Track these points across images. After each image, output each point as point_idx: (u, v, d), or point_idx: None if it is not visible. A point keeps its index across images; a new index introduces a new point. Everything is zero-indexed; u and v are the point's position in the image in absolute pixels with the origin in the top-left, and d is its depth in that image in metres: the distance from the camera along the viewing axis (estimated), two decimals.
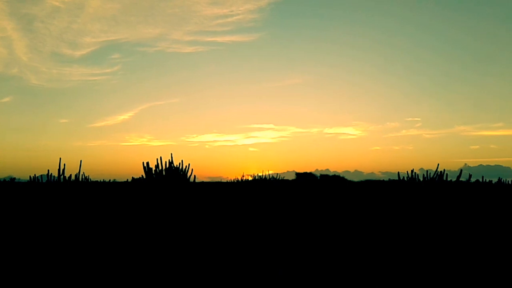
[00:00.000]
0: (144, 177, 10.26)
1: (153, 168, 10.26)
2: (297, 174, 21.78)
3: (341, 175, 23.18)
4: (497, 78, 38.64)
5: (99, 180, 18.47)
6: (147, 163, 10.30)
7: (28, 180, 9.84)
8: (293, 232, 7.21)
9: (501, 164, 33.86)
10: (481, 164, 32.48)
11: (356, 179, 23.60)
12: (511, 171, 31.55)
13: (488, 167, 31.48)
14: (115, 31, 38.64)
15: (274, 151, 40.98)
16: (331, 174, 23.24)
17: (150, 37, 37.94)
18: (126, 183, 11.48)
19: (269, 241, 6.42)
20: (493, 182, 14.84)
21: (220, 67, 41.46)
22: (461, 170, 12.27)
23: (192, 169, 10.55)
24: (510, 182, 15.40)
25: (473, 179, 13.79)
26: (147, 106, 41.37)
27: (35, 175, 9.84)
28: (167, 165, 10.16)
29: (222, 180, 21.53)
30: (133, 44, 38.56)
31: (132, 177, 11.06)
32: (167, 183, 9.53)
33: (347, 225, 8.00)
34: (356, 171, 32.62)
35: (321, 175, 22.33)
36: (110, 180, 19.03)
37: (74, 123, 43.01)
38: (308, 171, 23.07)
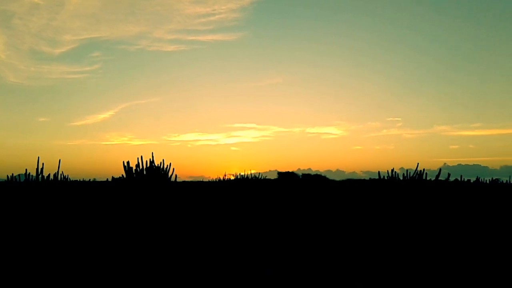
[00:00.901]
0: (125, 176, 10.14)
1: (134, 168, 10.15)
2: (279, 173, 21.83)
3: (323, 174, 23.31)
4: (476, 79, 39.36)
5: (78, 180, 18.20)
6: (128, 163, 10.18)
7: (5, 180, 9.62)
8: (276, 231, 7.21)
9: (479, 164, 34.39)
10: (460, 164, 32.95)
11: (338, 178, 23.74)
12: (489, 170, 32.24)
13: (467, 167, 31.95)
14: (95, 29, 38.12)
15: (256, 151, 40.94)
16: (313, 173, 23.35)
17: (131, 35, 37.52)
18: (106, 182, 11.30)
19: (252, 240, 6.41)
20: (472, 181, 15.09)
21: (202, 66, 41.21)
22: (440, 170, 12.45)
23: (173, 169, 10.47)
24: (487, 181, 15.69)
25: (452, 178, 14.03)
26: (128, 104, 40.90)
27: (12, 174, 9.63)
28: (148, 165, 10.05)
29: (204, 180, 21.44)
30: (114, 42, 38.07)
31: (112, 177, 10.90)
32: (147, 183, 9.43)
33: (329, 224, 8.04)
34: (338, 170, 32.82)
35: (303, 174, 22.41)
36: (90, 179, 18.78)
37: (54, 122, 42.28)
38: (290, 170, 23.14)
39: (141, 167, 10.02)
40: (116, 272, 4.65)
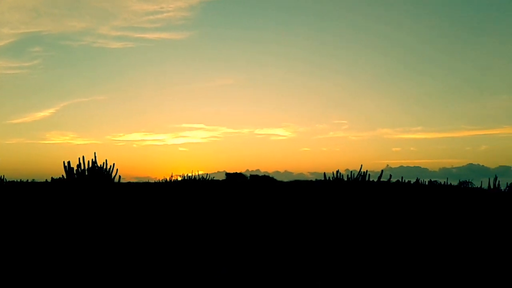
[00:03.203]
0: (65, 177, 9.76)
1: (75, 168, 9.80)
2: (227, 174, 21.79)
3: (271, 175, 23.50)
4: (417, 85, 41.10)
5: (15, 180, 17.34)
6: (68, 163, 9.81)
7: None
8: (226, 231, 7.18)
9: (419, 166, 35.94)
10: (401, 165, 34.34)
11: (286, 179, 23.97)
12: (429, 172, 33.85)
13: (408, 168, 33.34)
14: (36, 23, 36.39)
15: (205, 151, 40.57)
16: (261, 174, 23.50)
17: (75, 31, 36.08)
18: (45, 183, 10.84)
19: (203, 241, 6.33)
20: (412, 182, 15.75)
21: (149, 65, 40.30)
22: (382, 171, 12.95)
23: (117, 169, 10.21)
24: (426, 182, 16.46)
25: (394, 179, 14.60)
26: (70, 102, 39.23)
27: None
28: (90, 165, 9.73)
29: (150, 181, 21.02)
30: (56, 37, 36.47)
31: (52, 177, 10.46)
32: (89, 184, 9.12)
33: (277, 223, 8.09)
34: (286, 171, 33.17)
35: (251, 175, 22.48)
36: (28, 180, 17.95)
37: None
38: (239, 171, 23.16)
39: (82, 167, 9.68)
40: (52, 277, 4.44)
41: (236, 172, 22.58)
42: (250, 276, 4.58)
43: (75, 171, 9.69)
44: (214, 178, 19.34)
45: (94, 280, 4.40)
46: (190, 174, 18.27)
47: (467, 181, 18.60)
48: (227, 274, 4.62)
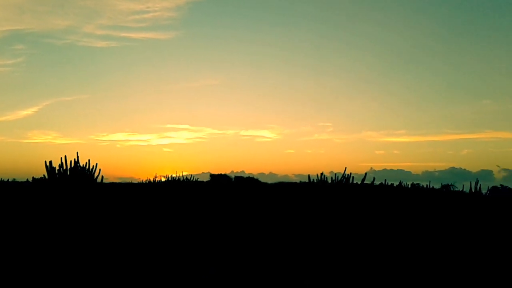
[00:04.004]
0: (46, 177, 9.61)
1: (57, 168, 9.65)
2: (212, 175, 21.70)
3: (255, 177, 23.47)
4: (401, 88, 41.56)
5: None
6: (50, 162, 9.66)
7: None
8: (209, 232, 7.14)
9: (403, 169, 36.31)
10: (385, 168, 34.59)
11: (270, 181, 23.97)
12: (412, 175, 34.14)
13: (391, 171, 33.62)
14: (20, 20, 35.83)
15: (189, 152, 40.35)
16: (246, 176, 23.45)
17: (59, 29, 35.59)
18: (26, 183, 10.65)
19: (184, 242, 6.28)
20: (395, 185, 15.87)
21: (134, 64, 39.93)
22: (366, 174, 13.04)
23: (100, 169, 10.08)
24: (409, 186, 16.60)
25: (377, 182, 14.71)
26: (53, 101, 38.66)
27: None
28: (72, 165, 9.60)
29: (134, 181, 20.83)
30: (39, 35, 35.92)
31: (33, 177, 10.28)
32: (70, 184, 8.99)
33: (260, 225, 8.08)
34: (270, 173, 33.18)
35: (236, 177, 22.44)
36: (8, 179, 17.65)
37: None
38: (223, 172, 23.08)
39: (64, 167, 9.54)
40: (32, 277, 4.36)
41: (220, 174, 22.52)
42: (238, 276, 4.55)
43: (56, 171, 9.54)
44: (199, 179, 19.28)
45: (77, 280, 4.33)
46: (174, 175, 18.18)
47: (449, 184, 18.80)
48: (214, 274, 4.59)
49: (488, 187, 14.27)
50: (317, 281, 4.50)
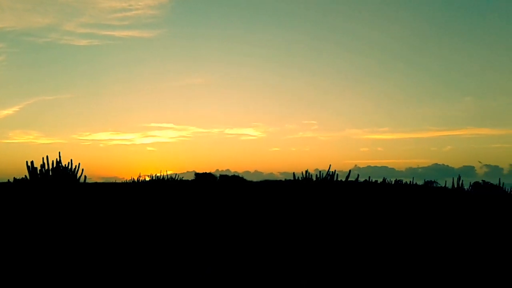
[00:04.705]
0: (28, 177, 9.47)
1: (38, 168, 9.52)
2: (196, 174, 21.61)
3: (241, 175, 23.45)
4: (384, 86, 42.00)
5: None
6: (32, 162, 9.53)
7: None
8: (195, 231, 7.11)
9: (386, 166, 36.70)
10: (369, 165, 34.94)
11: (255, 179, 23.96)
12: (395, 172, 34.56)
13: (376, 168, 33.98)
14: None
15: (174, 151, 40.13)
16: (231, 174, 23.41)
17: (39, 27, 35.04)
18: (6, 184, 10.47)
19: (167, 241, 6.25)
20: (379, 182, 16.04)
21: (117, 63, 39.53)
22: (350, 171, 13.16)
23: (82, 169, 9.99)
24: (392, 182, 16.80)
25: (361, 179, 14.84)
26: (34, 100, 38.07)
27: None
28: (54, 165, 9.48)
29: (117, 181, 20.65)
30: (19, 33, 35.33)
31: (14, 178, 10.12)
32: (52, 184, 8.87)
33: (246, 223, 8.08)
34: (256, 171, 33.18)
35: (221, 175, 22.36)
36: None
37: None
38: (208, 171, 22.99)
39: (46, 167, 9.42)
40: (15, 278, 4.29)
41: (205, 172, 22.43)
42: (235, 276, 4.55)
43: (38, 171, 9.42)
44: (183, 178, 19.21)
45: (61, 281, 4.27)
46: (158, 174, 18.09)
47: (432, 180, 19.06)
48: (211, 274, 4.58)
49: (470, 182, 14.51)
50: (314, 280, 4.52)
